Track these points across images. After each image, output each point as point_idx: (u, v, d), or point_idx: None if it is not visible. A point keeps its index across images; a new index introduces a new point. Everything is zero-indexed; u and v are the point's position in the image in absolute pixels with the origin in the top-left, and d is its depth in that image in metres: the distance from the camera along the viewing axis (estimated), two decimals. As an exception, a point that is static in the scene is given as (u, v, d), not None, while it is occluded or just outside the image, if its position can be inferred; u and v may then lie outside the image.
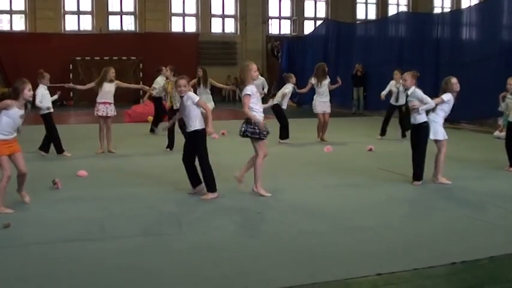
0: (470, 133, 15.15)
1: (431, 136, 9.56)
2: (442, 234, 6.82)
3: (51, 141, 12.33)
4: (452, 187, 9.42)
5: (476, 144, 13.02)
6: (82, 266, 5.71)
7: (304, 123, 18.35)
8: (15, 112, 7.72)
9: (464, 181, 9.79)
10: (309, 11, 36.62)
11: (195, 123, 8.59)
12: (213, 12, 34.57)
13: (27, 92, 7.75)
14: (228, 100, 32.23)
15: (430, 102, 9.27)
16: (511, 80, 10.49)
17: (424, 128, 9.42)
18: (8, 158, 7.79)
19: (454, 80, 9.63)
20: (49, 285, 5.25)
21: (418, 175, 9.46)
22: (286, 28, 36.32)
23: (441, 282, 5.35)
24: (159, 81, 15.92)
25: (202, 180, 8.71)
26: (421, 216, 7.71)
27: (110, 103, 12.59)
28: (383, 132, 15.09)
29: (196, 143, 8.70)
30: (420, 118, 9.43)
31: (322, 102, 15.00)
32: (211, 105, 16.09)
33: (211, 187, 8.60)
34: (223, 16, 34.94)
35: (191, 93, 8.73)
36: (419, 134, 9.44)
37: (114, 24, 33.01)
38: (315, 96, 15.28)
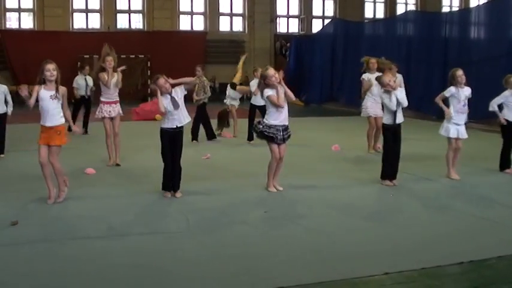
0: (479, 132, 15.10)
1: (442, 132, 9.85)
2: (450, 234, 6.81)
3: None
4: (459, 186, 9.41)
5: (485, 143, 12.97)
6: (89, 264, 5.73)
7: (310, 122, 18.33)
8: (44, 94, 7.88)
9: (472, 180, 9.76)
10: (317, 10, 36.58)
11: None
12: (221, 11, 34.58)
13: (46, 72, 7.85)
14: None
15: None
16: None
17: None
18: (45, 146, 7.97)
19: (459, 73, 9.64)
20: (56, 282, 5.27)
21: (381, 173, 9.52)
22: (294, 27, 36.30)
23: (449, 282, 5.33)
24: None
25: (175, 180, 8.64)
26: (429, 215, 7.68)
27: (115, 102, 11.15)
28: None
29: (182, 139, 8.73)
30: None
31: (375, 104, 12.63)
32: (236, 102, 15.78)
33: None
34: (231, 14, 34.94)
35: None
36: None
37: (122, 22, 33.07)
38: (368, 96, 12.97)
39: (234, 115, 15.74)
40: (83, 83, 16.42)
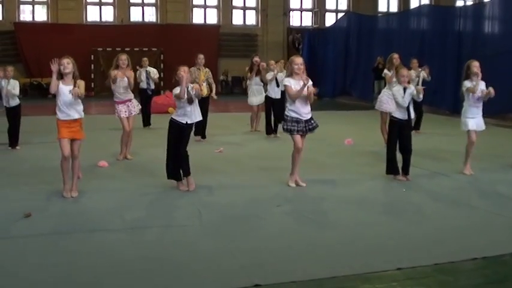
0: (493, 127, 15.01)
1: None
2: (463, 229, 6.78)
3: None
4: (473, 181, 9.36)
5: (499, 139, 12.91)
6: (102, 257, 5.75)
7: (323, 116, 18.27)
8: (63, 88, 7.90)
9: (486, 176, 9.71)
10: (330, 3, 36.48)
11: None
12: (234, 4, 34.56)
13: (60, 66, 7.88)
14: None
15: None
16: None
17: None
18: (67, 140, 8.00)
19: (475, 63, 9.57)
20: (69, 275, 5.28)
21: (386, 169, 9.52)
22: (307, 20, 36.22)
23: (462, 278, 5.31)
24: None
25: (184, 166, 8.61)
26: (442, 210, 7.64)
27: (129, 100, 11.11)
28: None
29: (189, 135, 8.72)
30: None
31: (391, 100, 11.37)
32: (261, 97, 15.58)
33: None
34: (244, 8, 34.91)
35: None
36: None
37: (135, 15, 33.13)
38: (385, 90, 12.69)
39: None
40: (143, 75, 16.31)
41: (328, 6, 36.37)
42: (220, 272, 5.34)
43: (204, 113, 13.41)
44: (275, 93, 14.66)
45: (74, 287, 5.05)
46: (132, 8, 32.95)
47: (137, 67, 15.81)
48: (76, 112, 8.03)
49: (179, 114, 8.51)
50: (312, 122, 8.81)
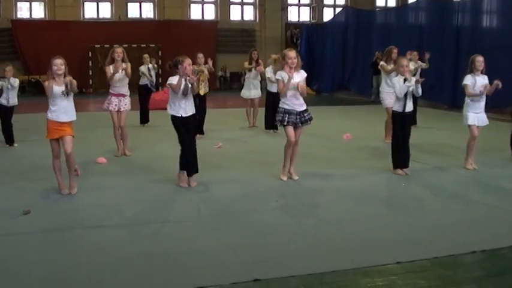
0: (491, 121, 14.99)
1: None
2: (462, 223, 6.79)
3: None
4: (472, 175, 9.36)
5: (497, 133, 12.88)
6: (101, 253, 5.75)
7: (322, 111, 18.29)
8: (56, 89, 7.86)
9: (485, 170, 9.71)
10: (328, -2, 36.45)
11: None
12: (231, 0, 34.48)
13: (53, 67, 7.86)
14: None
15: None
16: None
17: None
18: (57, 141, 8.02)
19: (478, 58, 9.55)
20: (67, 271, 5.28)
21: (393, 163, 9.50)
22: (305, 15, 36.14)
23: (461, 271, 5.31)
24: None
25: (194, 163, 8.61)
26: (441, 204, 7.65)
27: (123, 95, 11.02)
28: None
29: (194, 125, 8.77)
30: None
31: (391, 94, 11.28)
32: (256, 92, 15.56)
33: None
34: (242, 3, 34.82)
35: None
36: None
37: (133, 11, 33.01)
38: (382, 87, 12.70)
39: None
40: (145, 72, 16.12)
41: (326, 1, 36.29)
42: (220, 267, 5.35)
43: (202, 109, 13.37)
44: (276, 88, 14.47)
45: (73, 283, 5.05)
46: (129, 4, 32.83)
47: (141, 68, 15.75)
48: (67, 116, 7.99)
49: (173, 107, 8.47)
50: (306, 114, 8.81)
